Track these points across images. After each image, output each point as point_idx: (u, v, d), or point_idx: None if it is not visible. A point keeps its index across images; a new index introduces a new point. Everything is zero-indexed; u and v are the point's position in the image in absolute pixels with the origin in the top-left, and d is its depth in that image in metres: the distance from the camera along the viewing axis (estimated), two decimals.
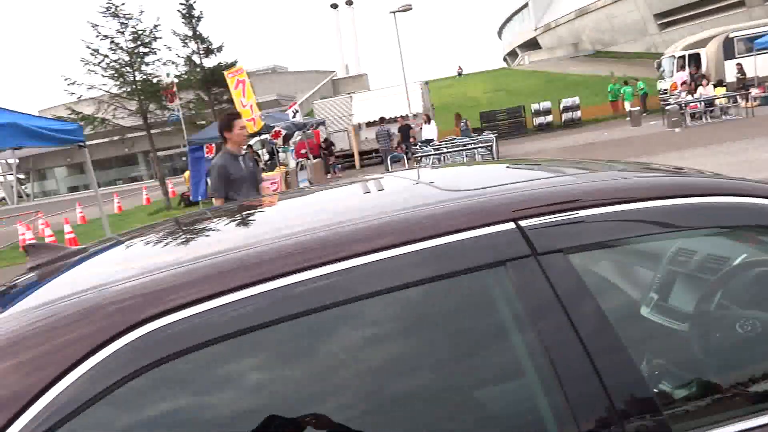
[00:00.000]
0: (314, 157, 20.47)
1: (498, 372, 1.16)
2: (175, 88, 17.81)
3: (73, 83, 17.42)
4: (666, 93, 23.14)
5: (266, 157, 19.61)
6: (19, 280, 1.44)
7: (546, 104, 26.44)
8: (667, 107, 19.28)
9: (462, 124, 19.57)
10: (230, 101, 22.60)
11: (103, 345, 0.97)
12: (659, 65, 25.13)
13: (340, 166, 21.98)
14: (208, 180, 15.70)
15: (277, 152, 17.58)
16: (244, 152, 4.84)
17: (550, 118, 26.28)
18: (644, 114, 23.02)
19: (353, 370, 1.11)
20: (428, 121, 19.34)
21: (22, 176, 50.65)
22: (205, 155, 17.03)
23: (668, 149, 13.41)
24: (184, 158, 39.45)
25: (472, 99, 35.50)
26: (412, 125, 19.78)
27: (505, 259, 1.12)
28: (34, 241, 1.64)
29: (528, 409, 1.12)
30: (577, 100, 26.27)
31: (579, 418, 1.04)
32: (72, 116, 16.24)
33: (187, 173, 18.90)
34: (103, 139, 19.70)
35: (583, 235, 1.18)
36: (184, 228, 1.61)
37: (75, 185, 50.99)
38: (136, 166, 49.31)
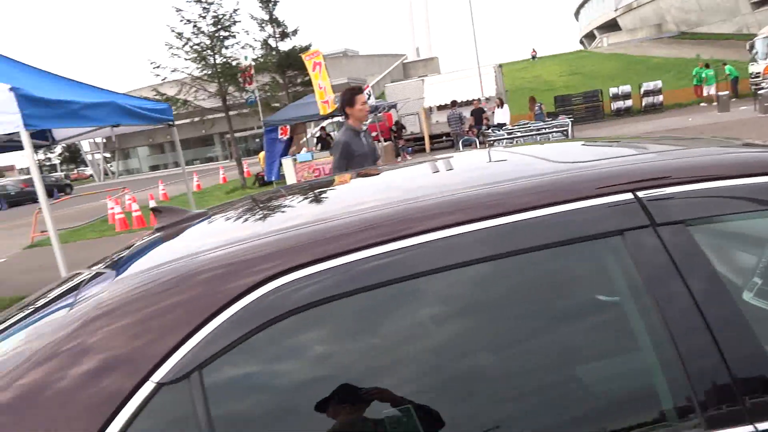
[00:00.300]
0: (385, 140, 20.57)
1: (611, 343, 1.16)
2: (252, 71, 18.31)
3: (158, 66, 18.27)
4: (758, 77, 21.68)
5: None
6: (149, 239, 1.56)
7: (625, 88, 25.38)
8: (759, 92, 18.09)
9: (536, 108, 19.07)
10: (304, 84, 23.06)
11: (233, 301, 1.05)
12: (752, 47, 23.52)
13: (410, 149, 22.00)
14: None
15: None
16: (365, 128, 4.77)
17: (629, 102, 25.22)
18: (733, 99, 21.71)
19: (465, 332, 1.15)
20: (501, 104, 19.00)
21: (107, 155, 53.66)
22: (279, 137, 17.50)
23: (760, 136, 12.62)
24: (257, 140, 40.57)
25: (546, 83, 34.56)
26: (485, 109, 19.51)
27: (623, 229, 1.13)
28: (165, 205, 1.77)
29: (643, 383, 1.11)
30: (659, 83, 25.07)
31: (697, 394, 1.03)
32: (157, 97, 17.02)
33: (262, 154, 19.45)
34: (185, 120, 20.56)
35: (704, 208, 1.17)
36: (294, 197, 1.70)
37: (156, 164, 53.57)
38: (212, 147, 51.14)
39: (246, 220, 1.48)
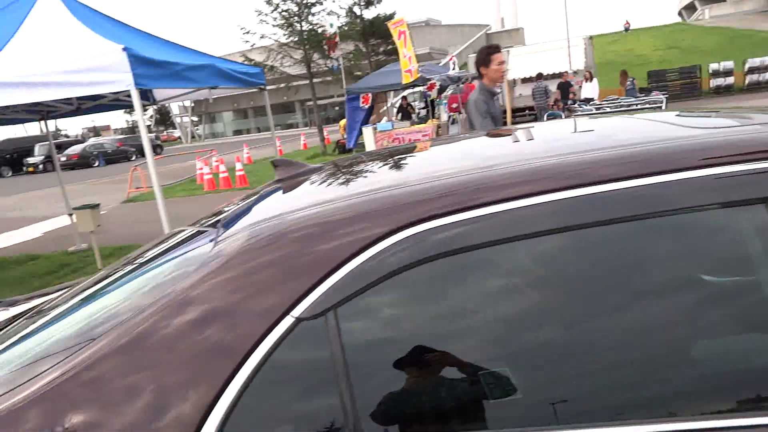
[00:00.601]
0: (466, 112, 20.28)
1: (748, 316, 1.12)
2: (337, 38, 18.45)
3: (247, 32, 18.77)
4: None
5: (421, 105, 19.81)
6: (275, 188, 1.65)
7: (727, 64, 23.69)
8: None
9: (628, 82, 18.13)
10: (386, 53, 23.02)
11: (367, 247, 1.10)
12: None
13: None
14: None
15: (433, 105, 17.69)
16: (499, 91, 4.51)
17: (730, 80, 23.55)
18: None
19: (597, 295, 1.13)
20: (590, 78, 18.23)
21: (195, 118, 55.98)
22: (361, 105, 17.63)
23: None
24: (336, 108, 41.00)
25: (639, 57, 32.79)
26: (572, 82, 18.79)
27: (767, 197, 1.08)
28: (279, 158, 1.85)
29: None
30: (766, 60, 23.21)
31: None
32: (245, 63, 17.52)
33: (343, 122, 19.67)
34: (270, 87, 21.15)
35: None
36: (406, 156, 1.73)
37: (239, 129, 55.46)
38: (293, 114, 52.21)
39: (365, 174, 1.53)
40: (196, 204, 12.04)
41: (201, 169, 15.88)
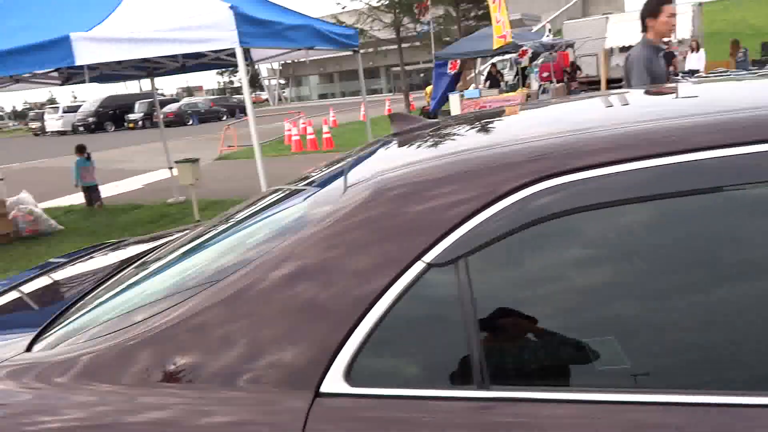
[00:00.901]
0: (557, 82, 19.52)
1: None
2: (428, 2, 18.16)
3: None
4: None
5: (512, 74, 19.27)
6: (390, 140, 1.66)
7: None
8: None
9: (740, 54, 16.81)
10: (477, 18, 22.43)
11: (501, 197, 1.09)
12: None
13: (583, 92, 20.68)
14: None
15: (524, 73, 17.13)
16: (665, 47, 4.14)
17: None
18: None
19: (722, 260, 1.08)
20: (696, 48, 17.03)
21: (282, 81, 57.18)
22: (448, 71, 17.33)
23: None
24: (422, 74, 40.63)
25: (752, 26, 30.21)
26: (676, 53, 17.62)
27: None
28: (396, 112, 1.85)
29: None
30: None
31: None
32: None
33: (429, 88, 19.47)
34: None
35: None
36: (522, 114, 1.70)
37: (324, 93, 56.25)
38: (377, 80, 52.20)
39: (494, 128, 1.51)
40: (285, 164, 12.39)
41: (289, 130, 16.27)
